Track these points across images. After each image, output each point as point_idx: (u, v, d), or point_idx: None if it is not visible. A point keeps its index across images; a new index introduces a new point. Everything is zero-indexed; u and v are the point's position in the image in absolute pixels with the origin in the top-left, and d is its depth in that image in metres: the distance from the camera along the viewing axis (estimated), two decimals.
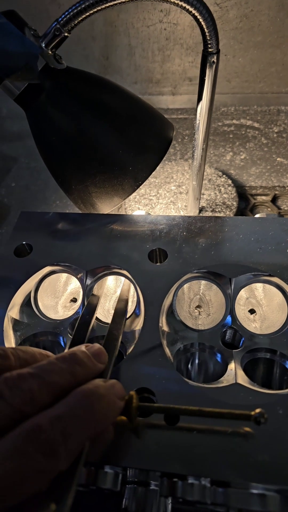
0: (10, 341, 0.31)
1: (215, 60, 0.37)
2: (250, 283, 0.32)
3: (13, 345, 0.31)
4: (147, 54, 0.73)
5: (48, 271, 0.36)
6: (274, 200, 0.62)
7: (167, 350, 0.28)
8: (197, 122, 0.41)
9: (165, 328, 0.30)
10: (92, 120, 0.36)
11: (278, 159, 0.70)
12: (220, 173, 0.63)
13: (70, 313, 0.35)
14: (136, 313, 0.32)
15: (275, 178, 0.66)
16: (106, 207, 0.40)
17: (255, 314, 0.34)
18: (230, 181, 0.61)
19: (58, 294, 0.38)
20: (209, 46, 0.35)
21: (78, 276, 0.35)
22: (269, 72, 0.75)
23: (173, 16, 0.68)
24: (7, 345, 0.30)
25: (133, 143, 0.37)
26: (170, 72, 0.76)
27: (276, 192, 0.63)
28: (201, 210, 0.57)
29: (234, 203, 0.57)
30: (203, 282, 0.35)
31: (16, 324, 0.32)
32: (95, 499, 0.28)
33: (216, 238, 0.34)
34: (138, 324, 0.31)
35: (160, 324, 0.30)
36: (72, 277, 0.36)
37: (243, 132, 0.75)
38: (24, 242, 0.36)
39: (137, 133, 0.37)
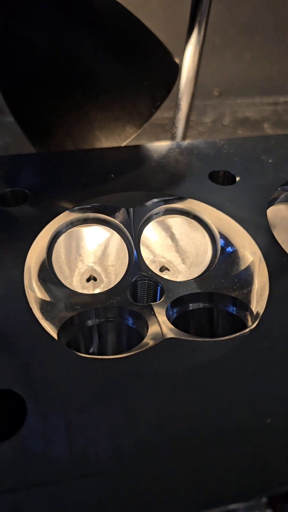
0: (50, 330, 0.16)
1: None
2: None
3: (55, 335, 0.16)
4: None
5: (66, 222, 0.22)
6: None
7: None
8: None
9: None
10: (84, 24, 0.26)
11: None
12: None
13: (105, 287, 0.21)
14: (227, 251, 0.21)
15: None
16: (113, 141, 0.28)
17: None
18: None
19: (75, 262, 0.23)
20: None
21: (119, 220, 0.22)
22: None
23: None
24: (52, 332, 0.15)
25: (145, 51, 0.28)
26: None
27: None
28: None
29: None
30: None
31: (43, 306, 0.17)
32: None
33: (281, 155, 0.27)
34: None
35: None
36: (106, 234, 0.22)
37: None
38: (12, 189, 0.22)
39: (146, 40, 0.28)
